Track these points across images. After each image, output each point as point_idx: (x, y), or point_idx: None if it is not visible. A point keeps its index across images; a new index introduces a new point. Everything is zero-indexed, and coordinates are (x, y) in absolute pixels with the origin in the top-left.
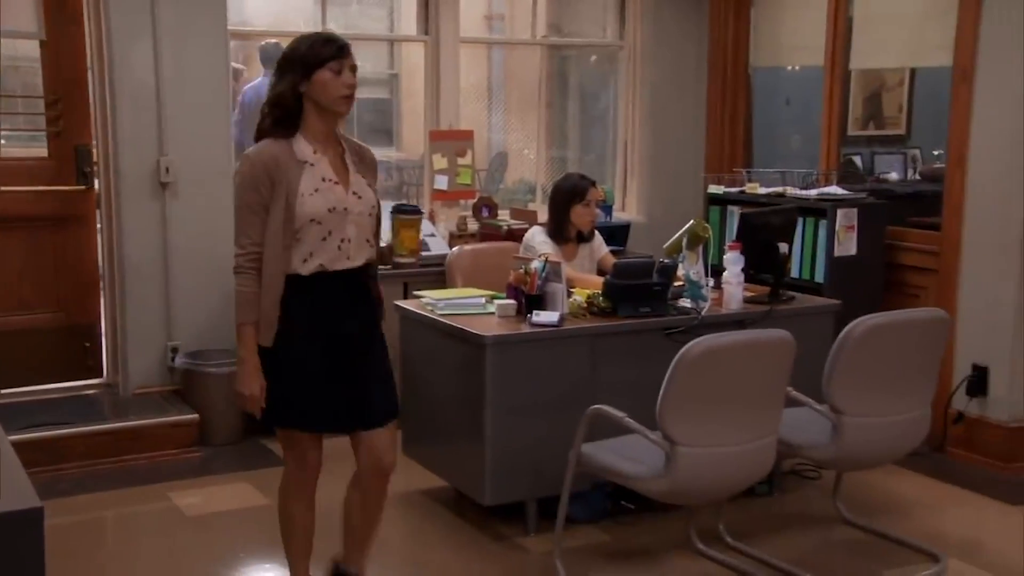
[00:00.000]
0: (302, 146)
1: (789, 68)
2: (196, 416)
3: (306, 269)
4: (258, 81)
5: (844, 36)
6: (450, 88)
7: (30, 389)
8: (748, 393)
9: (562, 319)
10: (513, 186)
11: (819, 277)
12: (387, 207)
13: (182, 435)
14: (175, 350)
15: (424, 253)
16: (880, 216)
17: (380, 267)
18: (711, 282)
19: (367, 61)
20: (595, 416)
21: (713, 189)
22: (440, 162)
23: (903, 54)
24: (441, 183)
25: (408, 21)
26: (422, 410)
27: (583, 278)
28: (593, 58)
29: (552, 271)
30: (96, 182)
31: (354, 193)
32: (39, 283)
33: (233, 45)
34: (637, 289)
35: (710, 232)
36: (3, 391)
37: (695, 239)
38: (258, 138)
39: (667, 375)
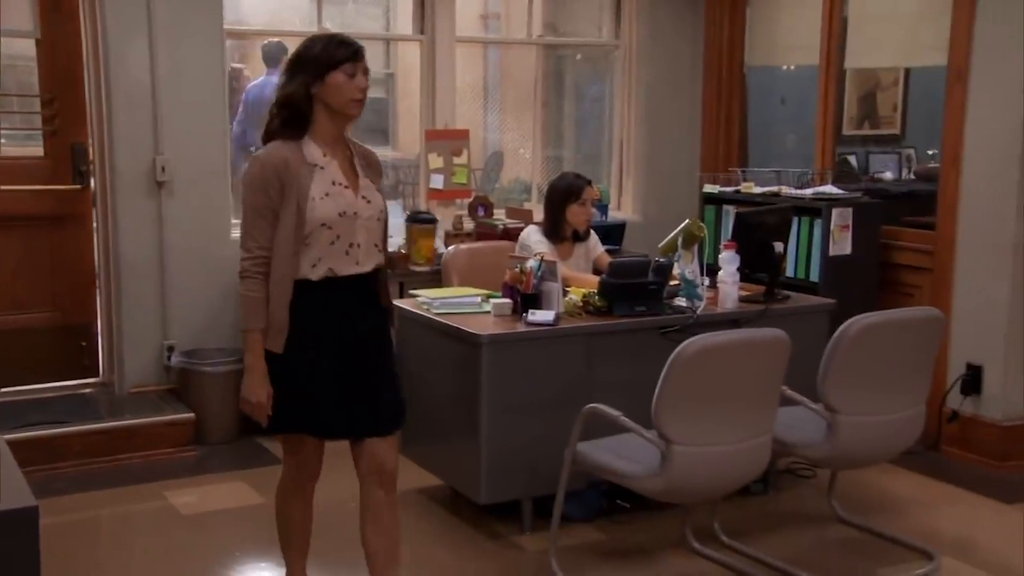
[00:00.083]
0: (312, 149)
1: (784, 67)
2: (192, 415)
3: (315, 274)
4: (261, 80)
5: (839, 36)
6: (446, 87)
7: (26, 388)
8: (743, 392)
9: (558, 318)
10: (509, 185)
11: (814, 276)
12: (399, 213)
13: (178, 434)
14: (171, 349)
15: None
16: (875, 215)
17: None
18: (706, 281)
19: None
20: (591, 415)
21: (708, 188)
22: (436, 161)
23: (898, 54)
24: (437, 182)
25: (404, 20)
26: (418, 409)
27: (579, 277)
28: (579, 56)
29: (548, 270)
30: (92, 181)
31: (363, 197)
32: (35, 282)
33: (229, 44)
34: (633, 288)
35: (705, 231)
36: None
37: (690, 238)
38: (266, 139)
39: (662, 374)
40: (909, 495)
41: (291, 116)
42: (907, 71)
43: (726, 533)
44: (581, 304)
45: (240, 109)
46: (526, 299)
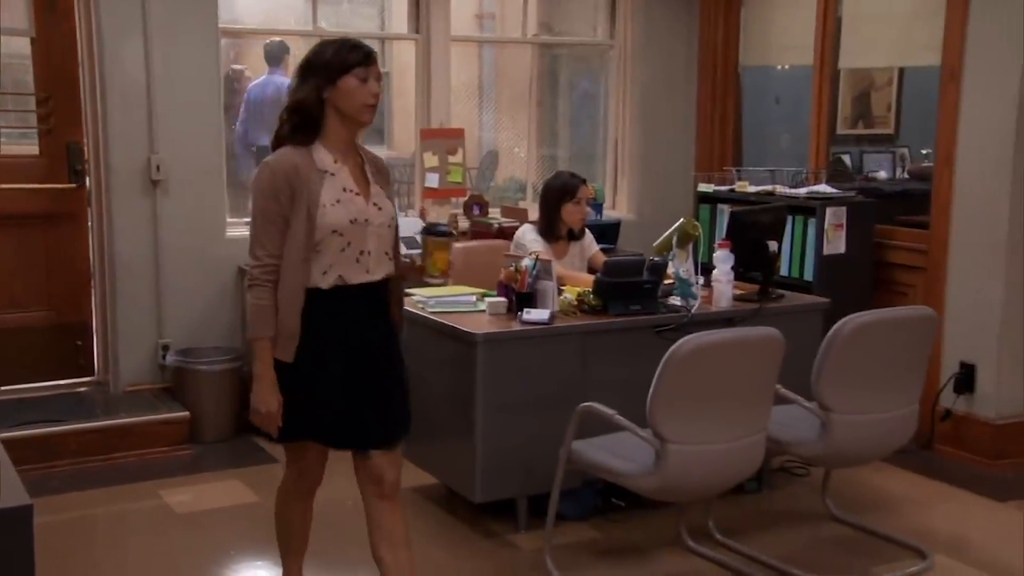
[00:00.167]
0: (322, 155)
1: (779, 67)
2: (187, 413)
3: (325, 282)
4: (262, 79)
5: (833, 35)
6: (441, 86)
7: (21, 387)
8: (737, 390)
9: (552, 317)
10: (504, 184)
11: (808, 275)
12: (414, 226)
13: (173, 432)
14: (166, 348)
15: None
16: (869, 215)
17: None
18: (701, 280)
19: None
20: (585, 413)
21: (703, 187)
22: (431, 160)
23: (892, 53)
24: (432, 181)
25: (399, 19)
26: (413, 408)
27: (574, 276)
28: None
29: (543, 269)
30: (87, 180)
31: (374, 204)
32: (30, 281)
33: (224, 43)
34: (627, 287)
35: (700, 230)
36: None
37: (685, 237)
38: (276, 145)
39: (657, 372)
40: (902, 493)
41: (302, 121)
42: (901, 71)
43: (721, 531)
44: (576, 303)
45: (242, 109)
46: (521, 298)
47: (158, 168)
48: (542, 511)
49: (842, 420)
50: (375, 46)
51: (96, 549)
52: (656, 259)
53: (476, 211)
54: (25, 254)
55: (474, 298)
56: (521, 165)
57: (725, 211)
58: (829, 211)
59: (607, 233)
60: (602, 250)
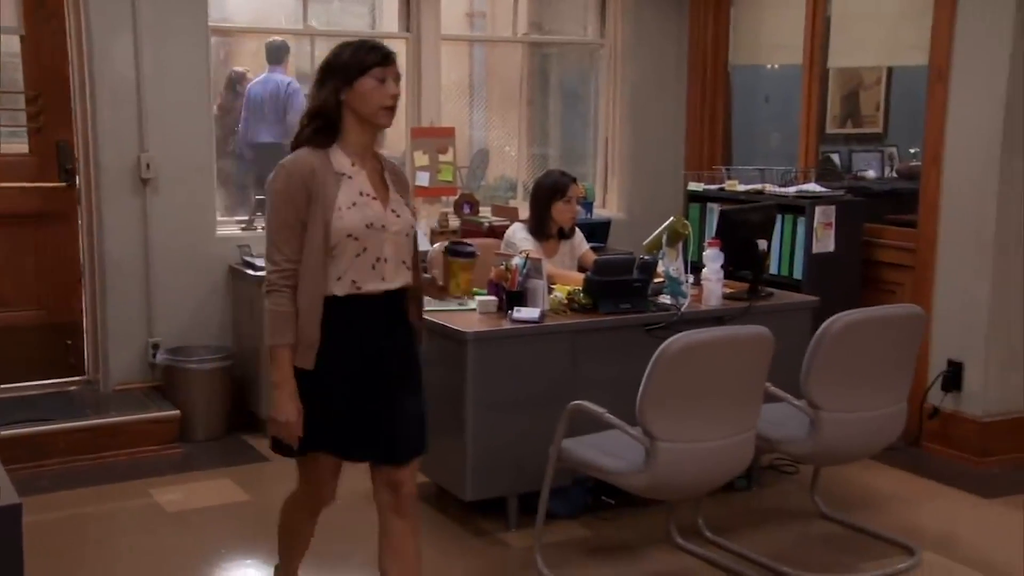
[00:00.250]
0: (340, 158)
1: (768, 66)
2: (177, 412)
3: (340, 288)
4: (262, 76)
5: (822, 35)
6: (431, 85)
7: (10, 386)
8: (727, 389)
9: (543, 315)
10: (494, 183)
11: (797, 274)
12: (429, 240)
13: (163, 431)
14: (156, 346)
15: None
16: (857, 213)
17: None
18: (691, 278)
19: None
20: (575, 412)
21: (693, 186)
22: (422, 159)
23: (880, 53)
24: (423, 180)
25: (390, 18)
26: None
27: (564, 274)
28: (554, 53)
29: (533, 267)
30: (77, 178)
31: (392, 211)
32: (21, 281)
33: (214, 41)
34: (617, 285)
35: (690, 229)
36: None
37: (675, 236)
38: (295, 148)
39: (647, 371)
40: (891, 491)
41: (322, 125)
42: (889, 70)
43: (710, 529)
44: (566, 301)
45: (243, 108)
46: (511, 296)
47: (148, 167)
48: (532, 509)
49: (831, 418)
50: None
51: (86, 548)
52: (646, 258)
53: (467, 210)
54: (15, 253)
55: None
56: (512, 164)
57: (715, 210)
58: (818, 210)
59: (597, 232)
60: (592, 249)
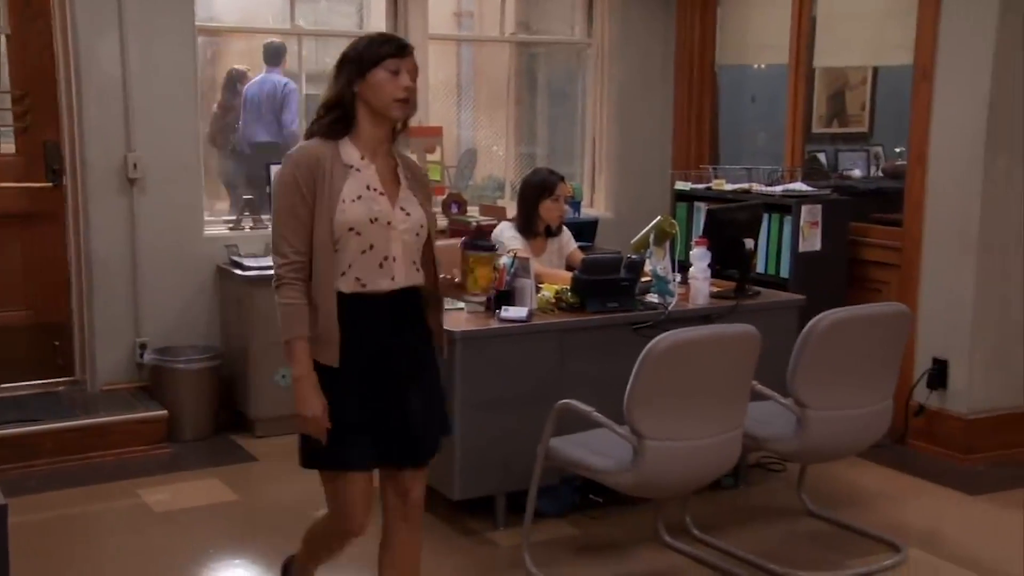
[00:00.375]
0: (349, 150)
1: (755, 66)
2: (165, 412)
3: (344, 285)
4: (260, 77)
5: (808, 35)
6: (419, 85)
7: None
8: (714, 387)
9: (531, 314)
10: (482, 183)
11: (784, 272)
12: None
13: (150, 431)
14: (143, 346)
15: None
16: (843, 212)
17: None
18: (678, 277)
19: (336, 58)
20: (563, 411)
21: (680, 185)
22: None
23: (865, 53)
24: None
25: (377, 18)
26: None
27: (552, 273)
28: (541, 52)
29: (521, 267)
30: (64, 178)
31: (401, 208)
32: (8, 281)
33: (201, 41)
34: (605, 284)
35: (677, 228)
36: None
37: (662, 235)
38: (308, 137)
39: (634, 369)
40: (877, 488)
41: (338, 117)
42: (875, 70)
43: (698, 527)
44: (554, 300)
45: (242, 108)
46: (499, 296)
47: (135, 166)
48: (520, 508)
49: (817, 416)
50: None
51: (74, 548)
52: (633, 257)
53: (454, 209)
54: (2, 254)
55: None
56: (499, 163)
57: (702, 209)
58: (804, 209)
59: (585, 231)
60: (580, 248)
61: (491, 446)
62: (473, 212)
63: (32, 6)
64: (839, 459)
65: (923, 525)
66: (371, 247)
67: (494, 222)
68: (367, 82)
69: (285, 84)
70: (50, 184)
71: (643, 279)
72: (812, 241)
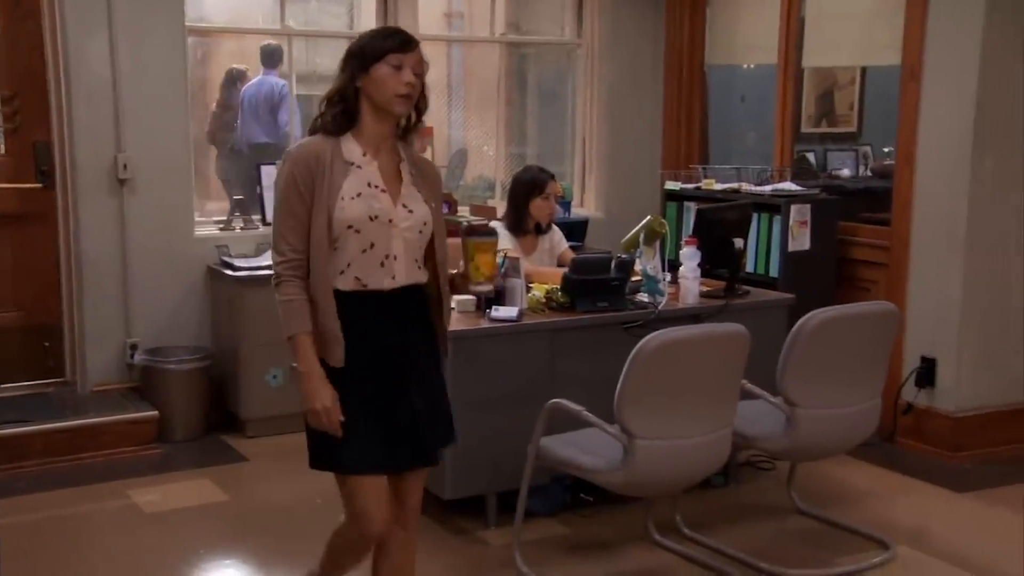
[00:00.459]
0: (351, 146)
1: (744, 66)
2: (155, 413)
3: (343, 283)
4: (257, 79)
5: (797, 35)
6: None
7: None
8: (704, 386)
9: (521, 314)
10: (473, 183)
11: (773, 272)
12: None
13: (141, 432)
14: (134, 347)
15: None
16: (832, 212)
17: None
18: (668, 277)
19: (326, 58)
20: (554, 410)
21: (670, 185)
22: None
23: (854, 53)
24: None
25: (368, 18)
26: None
27: (542, 272)
28: (531, 53)
29: (511, 266)
30: (54, 179)
31: (404, 205)
32: None
33: (191, 41)
34: (595, 284)
35: (667, 228)
36: None
37: (652, 235)
38: (312, 133)
39: (624, 369)
40: (866, 486)
41: (340, 112)
42: (863, 70)
43: (688, 525)
44: (544, 300)
45: (240, 110)
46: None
47: (125, 167)
48: (511, 507)
49: (807, 415)
50: (344, 45)
51: (64, 549)
52: (623, 256)
53: (445, 209)
54: None
55: None
56: (490, 163)
57: (692, 208)
58: (794, 208)
59: (575, 231)
60: (570, 247)
61: (482, 445)
62: (463, 212)
63: (22, 6)
64: (828, 457)
65: (911, 522)
66: (372, 246)
67: (485, 222)
68: (370, 77)
69: (283, 86)
70: (40, 185)
71: (633, 279)
72: (801, 240)
